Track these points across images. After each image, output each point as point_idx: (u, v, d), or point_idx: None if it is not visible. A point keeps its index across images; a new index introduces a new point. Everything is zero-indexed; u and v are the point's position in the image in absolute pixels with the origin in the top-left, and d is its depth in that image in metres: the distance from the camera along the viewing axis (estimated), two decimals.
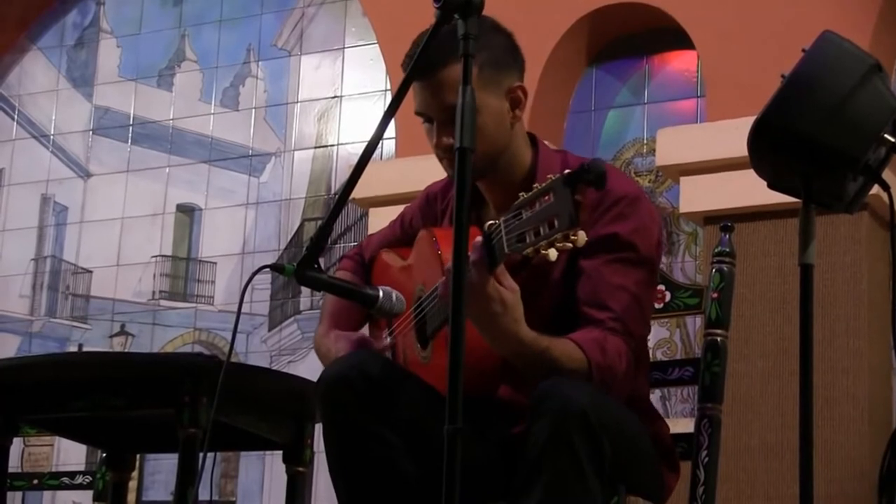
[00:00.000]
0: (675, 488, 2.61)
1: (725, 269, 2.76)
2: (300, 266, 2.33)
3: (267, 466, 5.87)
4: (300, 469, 3.31)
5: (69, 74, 6.82)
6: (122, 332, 6.41)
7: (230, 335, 6.01)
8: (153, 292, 6.39)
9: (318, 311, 6.00)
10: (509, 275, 2.32)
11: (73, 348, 6.47)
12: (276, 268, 2.40)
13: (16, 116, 6.88)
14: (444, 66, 2.48)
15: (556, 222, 2.10)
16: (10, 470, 3.38)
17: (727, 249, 2.77)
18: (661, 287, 2.85)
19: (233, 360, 4.58)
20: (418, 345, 2.58)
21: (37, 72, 6.89)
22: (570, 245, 2.10)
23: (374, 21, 5.78)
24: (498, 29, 2.57)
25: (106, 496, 3.64)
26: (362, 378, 2.43)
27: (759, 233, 4.73)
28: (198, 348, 6.22)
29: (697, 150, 4.85)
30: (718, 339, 2.73)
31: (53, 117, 6.81)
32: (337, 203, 2.34)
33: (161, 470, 6.03)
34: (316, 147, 6.21)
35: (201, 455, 2.72)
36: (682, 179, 4.92)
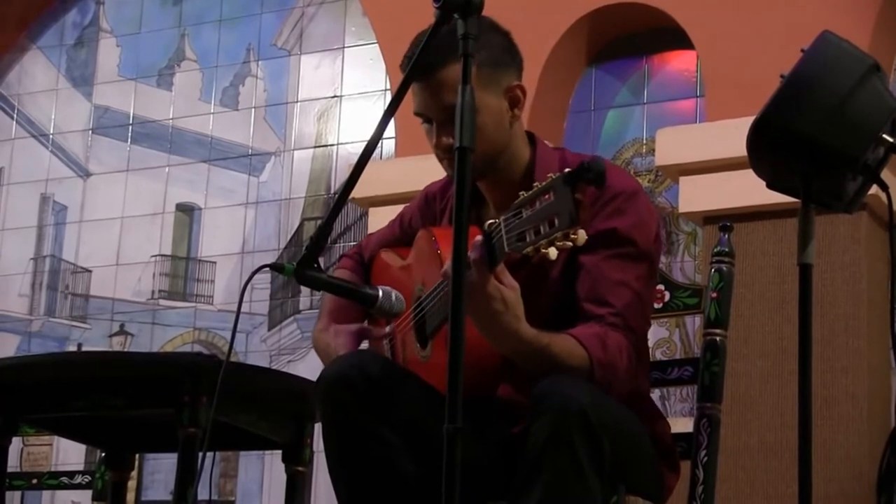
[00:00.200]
0: (675, 488, 2.61)
1: (725, 268, 2.76)
2: (300, 265, 2.33)
3: (266, 466, 5.87)
4: (300, 469, 3.31)
5: (69, 74, 6.82)
6: (122, 331, 6.41)
7: (230, 334, 6.01)
8: (153, 292, 6.39)
9: (317, 310, 6.01)
10: (509, 273, 2.33)
11: (73, 348, 6.47)
12: (275, 267, 2.40)
13: (15, 116, 6.88)
14: (443, 67, 2.48)
15: (556, 221, 2.10)
16: (9, 469, 3.38)
17: (726, 249, 2.77)
18: (661, 287, 2.85)
19: (232, 359, 4.58)
20: (418, 344, 2.59)
21: (36, 71, 6.89)
22: (571, 244, 2.10)
23: (373, 21, 5.78)
24: (495, 28, 2.58)
25: (105, 496, 3.63)
26: (362, 378, 2.43)
27: (759, 232, 4.73)
28: (197, 348, 6.22)
29: (697, 150, 4.86)
30: (717, 338, 2.73)
31: (53, 116, 6.81)
32: (336, 202, 2.34)
33: (160, 469, 6.03)
34: (316, 146, 6.21)
35: (201, 454, 2.72)
36: (682, 179, 4.92)
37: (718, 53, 4.99)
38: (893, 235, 2.51)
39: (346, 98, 6.17)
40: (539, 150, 2.62)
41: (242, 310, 5.98)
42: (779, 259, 4.68)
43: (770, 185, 2.59)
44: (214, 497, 5.82)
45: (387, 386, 2.44)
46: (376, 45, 5.82)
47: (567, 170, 2.11)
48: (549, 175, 2.15)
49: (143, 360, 3.48)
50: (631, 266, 2.50)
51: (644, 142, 5.43)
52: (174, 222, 6.43)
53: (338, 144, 6.16)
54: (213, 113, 6.44)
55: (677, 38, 5.20)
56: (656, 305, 2.83)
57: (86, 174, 6.67)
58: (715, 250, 2.78)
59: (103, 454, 3.59)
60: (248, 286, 2.49)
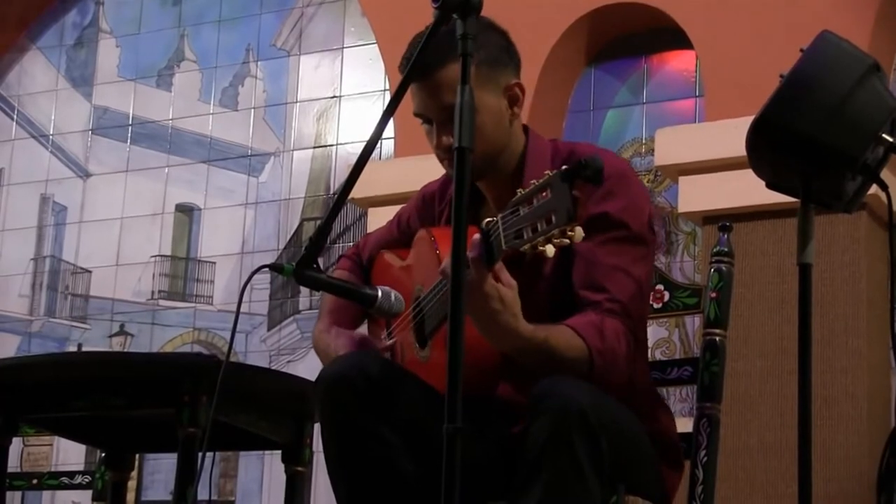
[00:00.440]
0: (678, 485, 2.61)
1: (724, 268, 2.76)
2: (299, 266, 2.33)
3: (266, 466, 5.87)
4: (299, 469, 3.31)
5: (68, 74, 6.82)
6: (122, 331, 6.41)
7: (229, 335, 6.01)
8: (152, 292, 6.39)
9: (317, 310, 6.02)
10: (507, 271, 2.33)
11: (73, 348, 6.47)
12: (275, 267, 2.40)
13: (15, 116, 6.88)
14: (442, 67, 2.48)
15: (553, 218, 2.10)
16: (10, 470, 3.38)
17: (726, 249, 2.77)
18: (660, 287, 2.85)
19: (232, 359, 4.58)
20: (417, 344, 2.59)
21: (36, 71, 6.89)
22: (568, 241, 2.10)
23: (373, 21, 5.78)
24: (492, 27, 2.58)
25: (105, 496, 3.63)
26: (362, 377, 2.43)
27: (758, 232, 4.73)
28: (197, 348, 6.22)
29: (696, 149, 4.86)
30: (717, 338, 2.73)
31: (53, 117, 6.81)
32: (336, 203, 2.34)
33: (160, 469, 6.04)
34: (315, 147, 6.22)
35: (200, 454, 2.72)
36: (681, 179, 4.92)
37: (718, 53, 4.99)
38: (893, 235, 2.52)
39: (346, 98, 6.17)
40: (531, 143, 2.61)
41: (242, 310, 5.98)
42: (778, 259, 4.68)
43: (769, 185, 2.59)
44: (214, 497, 5.82)
45: (386, 386, 2.44)
46: (375, 45, 5.82)
47: (564, 167, 2.11)
48: (546, 172, 2.15)
49: (143, 361, 3.48)
50: (625, 249, 2.49)
51: (643, 142, 5.43)
52: (174, 223, 6.43)
53: (337, 145, 6.16)
54: (212, 113, 6.44)
55: (677, 38, 5.20)
56: (656, 306, 2.83)
57: (85, 175, 6.67)
58: (714, 250, 2.78)
59: (103, 454, 3.59)
60: (248, 286, 2.49)
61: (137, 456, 3.83)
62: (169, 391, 3.01)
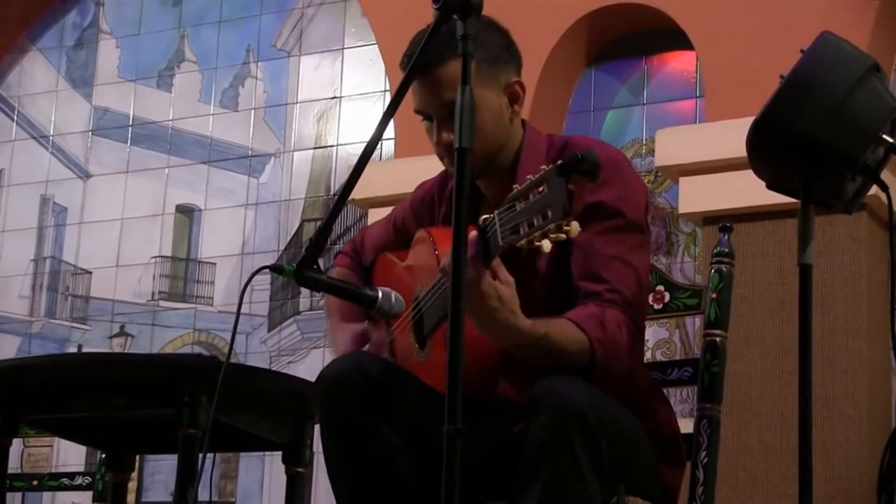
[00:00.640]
0: (680, 484, 2.61)
1: (724, 269, 2.76)
2: (299, 267, 2.33)
3: (267, 467, 5.87)
4: (300, 470, 3.31)
5: (69, 75, 6.82)
6: (122, 332, 6.41)
7: (230, 336, 6.01)
8: (153, 293, 6.39)
9: (317, 311, 6.02)
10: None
11: (73, 349, 6.47)
12: (275, 268, 2.41)
13: (15, 117, 6.88)
14: (442, 64, 2.48)
15: (549, 213, 2.11)
16: (10, 471, 3.38)
17: (726, 250, 2.77)
18: (661, 287, 2.85)
19: (232, 360, 4.58)
20: (416, 345, 2.59)
21: (36, 72, 6.89)
22: (564, 236, 2.11)
23: (373, 21, 5.78)
24: (493, 26, 2.58)
25: (105, 497, 3.64)
26: (361, 378, 2.43)
27: (758, 233, 4.73)
28: (197, 349, 6.22)
29: (696, 150, 4.86)
30: (717, 339, 2.73)
31: (53, 118, 6.81)
32: (336, 204, 2.34)
33: (161, 470, 6.03)
34: (315, 148, 6.21)
35: (201, 455, 2.72)
36: (681, 180, 4.92)
37: (718, 54, 4.99)
38: (893, 236, 2.52)
39: (346, 99, 6.17)
40: (527, 137, 2.61)
41: (242, 311, 5.98)
42: (779, 259, 4.68)
43: (770, 186, 2.59)
44: (215, 498, 5.82)
45: (386, 386, 2.44)
46: (376, 45, 5.82)
47: (560, 161, 2.11)
48: (542, 167, 2.15)
49: (144, 362, 3.48)
50: (622, 238, 2.49)
51: (644, 142, 5.43)
52: (174, 223, 6.43)
53: (337, 145, 6.16)
54: (212, 114, 6.44)
55: (677, 39, 5.20)
56: (656, 306, 2.83)
57: (86, 175, 6.67)
58: (715, 251, 2.78)
59: (104, 455, 3.59)
60: (248, 287, 2.49)
61: (138, 457, 3.83)
62: (169, 392, 3.01)
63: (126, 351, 6.27)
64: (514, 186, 2.19)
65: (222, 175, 6.36)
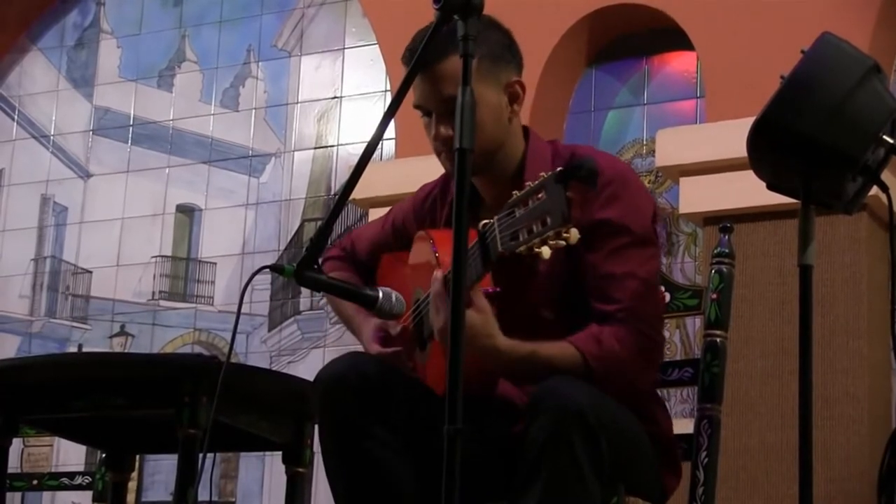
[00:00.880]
0: (675, 489, 2.61)
1: (725, 269, 2.76)
2: (300, 267, 2.34)
3: (267, 467, 5.87)
4: (300, 470, 3.31)
5: (69, 75, 6.82)
6: (122, 332, 6.41)
7: (230, 335, 6.01)
8: (153, 293, 6.39)
9: (318, 311, 6.02)
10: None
11: (73, 349, 6.47)
12: (275, 268, 2.41)
13: (16, 117, 6.88)
14: (443, 59, 2.48)
15: (548, 220, 2.11)
16: (10, 470, 3.38)
17: (726, 250, 2.77)
18: (661, 288, 2.85)
19: (232, 360, 4.58)
20: (417, 347, 2.59)
21: (37, 72, 6.89)
22: (563, 243, 2.11)
23: (374, 22, 5.78)
24: (495, 25, 2.59)
25: (105, 497, 3.64)
26: (360, 378, 2.43)
27: (759, 233, 4.73)
28: (197, 349, 6.22)
29: (697, 150, 4.85)
30: (718, 339, 2.73)
31: (53, 118, 6.81)
32: (337, 203, 2.35)
33: (161, 470, 6.03)
34: (316, 147, 6.21)
35: (201, 455, 2.72)
36: (682, 180, 4.92)
37: (719, 54, 4.99)
38: (894, 236, 2.52)
39: (347, 99, 6.17)
40: (531, 145, 2.61)
41: (243, 311, 5.98)
42: (779, 260, 4.68)
43: (770, 186, 2.59)
44: (215, 498, 5.82)
45: (384, 386, 2.45)
46: (376, 45, 5.82)
47: (559, 168, 2.12)
48: (541, 174, 2.15)
49: (144, 361, 3.48)
50: (631, 255, 2.49)
51: (644, 142, 5.43)
52: (174, 223, 6.43)
53: (338, 145, 6.16)
54: (213, 114, 6.44)
55: (677, 39, 5.20)
56: None
57: (86, 175, 6.67)
58: (715, 251, 2.78)
59: (104, 455, 3.59)
60: (249, 287, 2.49)
61: (138, 457, 3.83)
62: (169, 392, 3.01)
63: (126, 350, 6.26)
64: (514, 192, 2.20)
65: (223, 175, 6.36)
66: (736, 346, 4.32)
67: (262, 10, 6.43)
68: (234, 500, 5.96)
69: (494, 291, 2.39)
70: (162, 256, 6.40)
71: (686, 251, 5.27)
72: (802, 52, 2.51)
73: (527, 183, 2.18)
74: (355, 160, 2.33)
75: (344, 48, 6.22)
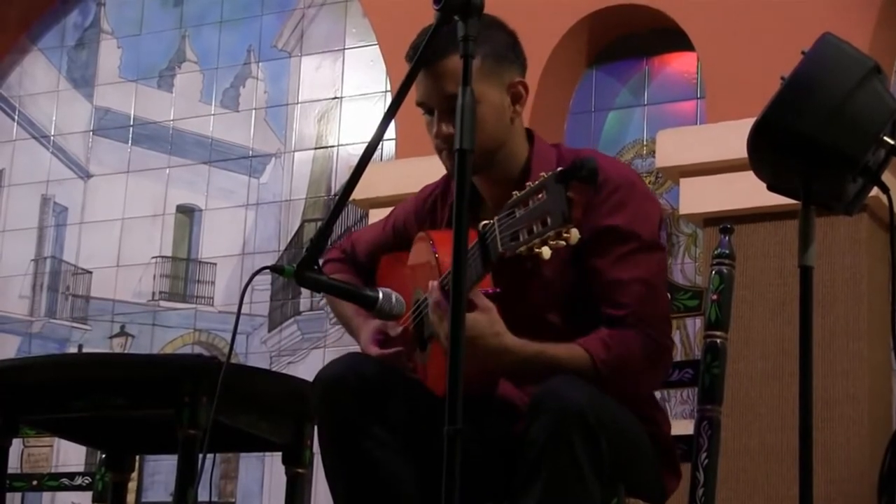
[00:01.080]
0: (675, 490, 2.61)
1: (725, 270, 2.76)
2: (300, 267, 2.34)
3: (267, 467, 5.87)
4: (300, 470, 3.31)
5: (69, 75, 6.82)
6: (122, 332, 6.41)
7: (230, 336, 6.01)
8: (153, 293, 6.39)
9: (318, 312, 6.02)
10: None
11: (73, 349, 6.47)
12: (275, 269, 2.41)
13: (16, 117, 6.88)
14: (446, 57, 2.48)
15: (548, 220, 2.11)
16: (10, 471, 3.38)
17: (727, 251, 2.77)
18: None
19: (232, 360, 4.58)
20: (417, 348, 2.59)
21: (37, 72, 6.89)
22: (564, 243, 2.11)
23: (374, 22, 5.78)
24: (500, 25, 2.59)
25: (105, 497, 3.64)
26: (358, 379, 2.43)
27: (759, 234, 4.73)
28: (197, 349, 6.21)
29: (697, 151, 4.85)
30: (718, 340, 2.73)
31: (54, 118, 6.81)
32: (337, 204, 2.34)
33: (161, 471, 6.03)
34: (316, 148, 6.21)
35: (201, 456, 2.72)
36: (682, 181, 4.92)
37: (719, 55, 4.99)
38: (894, 237, 2.51)
39: (347, 99, 6.17)
40: (536, 148, 2.62)
41: (243, 311, 5.98)
42: (779, 261, 4.68)
43: (770, 187, 2.59)
44: (215, 498, 5.82)
45: (383, 387, 2.45)
46: (377, 46, 5.82)
47: (559, 168, 2.12)
48: (541, 174, 2.15)
49: (144, 362, 3.48)
50: (639, 260, 2.50)
51: (644, 143, 5.43)
52: (175, 223, 6.43)
53: (338, 146, 6.16)
54: (213, 114, 6.44)
55: (678, 40, 5.20)
56: None
57: (86, 175, 6.67)
58: (715, 252, 2.78)
59: (103, 455, 3.59)
60: (249, 288, 2.49)
61: (138, 457, 3.83)
62: (169, 392, 3.01)
63: (126, 351, 6.26)
64: (514, 193, 2.19)
65: (223, 175, 6.36)
66: (736, 347, 4.31)
67: (263, 10, 6.43)
68: (233, 500, 5.96)
69: (494, 292, 2.39)
70: (162, 257, 6.40)
71: (686, 252, 5.27)
72: (803, 52, 2.51)
73: (527, 183, 2.18)
74: (355, 161, 2.33)
75: (344, 48, 6.22)
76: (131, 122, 6.61)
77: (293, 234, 6.15)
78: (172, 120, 6.51)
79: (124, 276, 6.44)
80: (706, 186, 4.81)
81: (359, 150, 5.26)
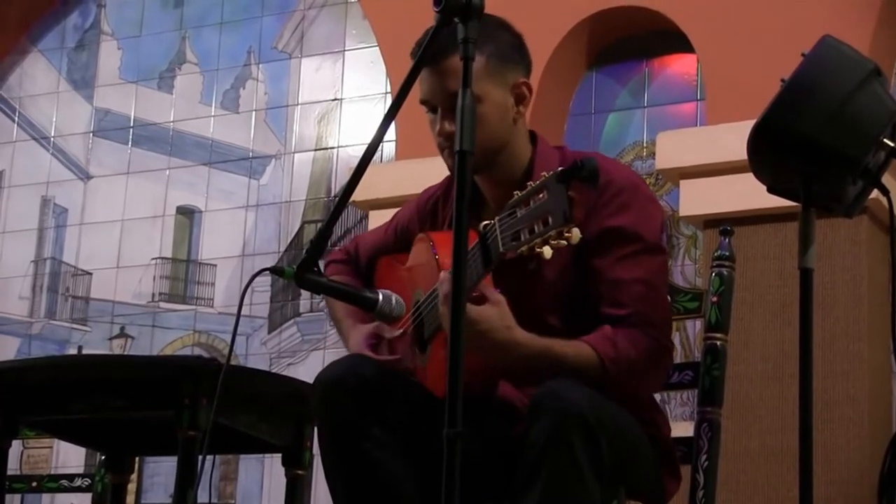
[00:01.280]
0: (675, 493, 2.61)
1: (725, 272, 2.76)
2: (300, 269, 2.34)
3: (266, 469, 5.87)
4: (299, 472, 3.31)
5: (70, 76, 6.82)
6: (122, 334, 6.41)
7: (230, 337, 6.01)
8: (153, 294, 6.39)
9: (317, 313, 6.02)
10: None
11: (73, 350, 6.47)
12: (275, 270, 2.41)
13: (16, 118, 6.88)
14: (451, 55, 2.48)
15: (549, 220, 2.11)
16: (9, 472, 3.38)
17: (727, 253, 2.77)
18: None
19: (232, 362, 4.58)
20: (416, 349, 2.58)
21: (37, 74, 6.89)
22: (565, 243, 2.11)
23: (374, 24, 5.78)
24: (505, 26, 2.60)
25: (105, 498, 3.63)
26: (358, 380, 2.43)
27: (759, 236, 4.73)
28: (197, 350, 6.21)
29: (697, 153, 4.85)
30: (718, 342, 2.73)
31: (54, 119, 6.81)
32: (337, 205, 2.34)
33: (160, 472, 6.03)
34: (316, 149, 6.21)
35: (201, 457, 2.72)
36: (682, 183, 4.92)
37: (719, 57, 4.99)
38: (894, 239, 2.51)
39: (347, 101, 6.17)
40: (539, 149, 2.62)
41: (242, 313, 5.98)
42: (779, 263, 4.68)
43: (770, 189, 2.59)
44: (214, 500, 5.81)
45: (383, 388, 2.45)
46: (377, 47, 5.82)
47: (560, 168, 2.12)
48: (542, 173, 2.15)
49: (144, 363, 3.48)
50: (642, 261, 2.50)
51: (644, 145, 5.42)
52: (174, 225, 6.43)
53: (338, 147, 6.16)
54: (213, 116, 6.44)
55: (678, 42, 5.20)
56: None
57: (86, 177, 6.67)
58: (715, 254, 2.78)
59: (103, 457, 3.59)
60: (248, 289, 2.49)
61: (137, 459, 3.83)
62: (169, 394, 3.01)
63: (126, 352, 6.26)
64: (515, 193, 2.19)
65: (223, 177, 6.36)
66: (736, 349, 4.31)
67: (263, 11, 6.43)
68: (233, 501, 5.96)
69: None
70: (162, 258, 6.40)
71: (686, 254, 5.27)
72: (803, 54, 2.51)
73: (528, 183, 2.18)
74: (355, 162, 2.33)
75: (344, 50, 6.22)
76: (131, 124, 6.61)
77: (293, 235, 6.15)
78: (172, 121, 6.51)
79: (124, 277, 6.44)
80: (706, 188, 4.81)
81: (359, 151, 5.26)
